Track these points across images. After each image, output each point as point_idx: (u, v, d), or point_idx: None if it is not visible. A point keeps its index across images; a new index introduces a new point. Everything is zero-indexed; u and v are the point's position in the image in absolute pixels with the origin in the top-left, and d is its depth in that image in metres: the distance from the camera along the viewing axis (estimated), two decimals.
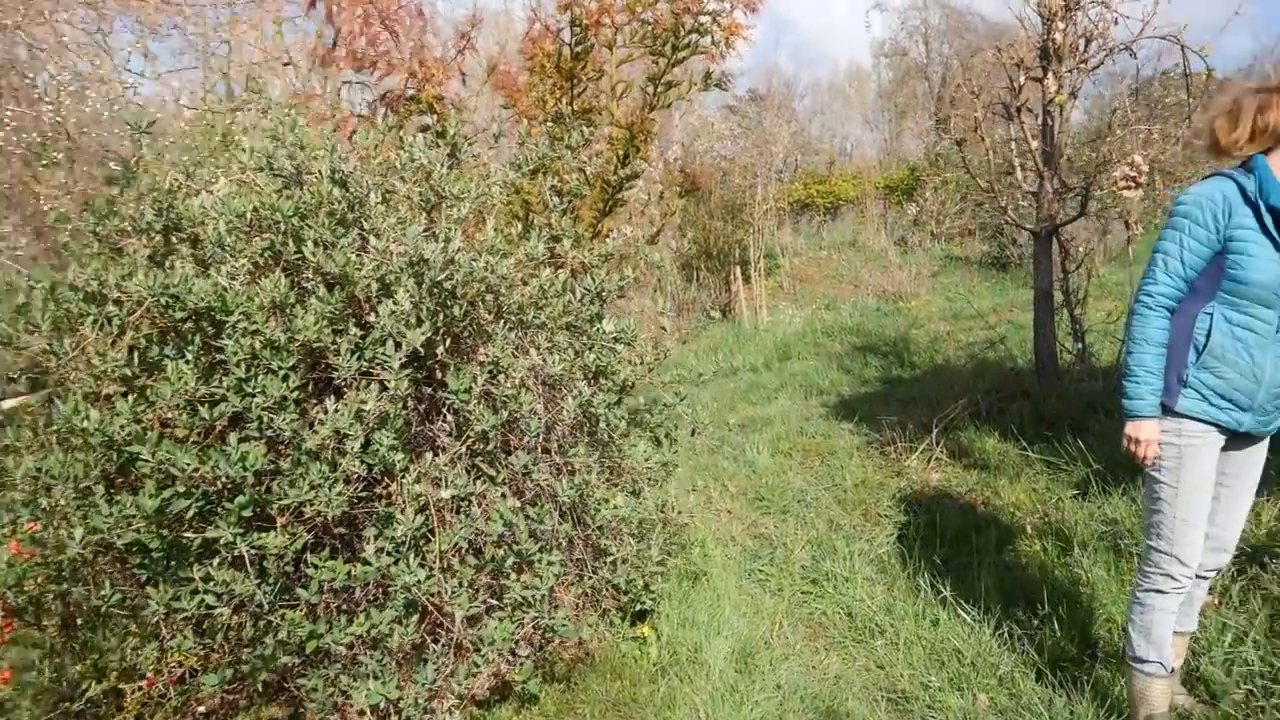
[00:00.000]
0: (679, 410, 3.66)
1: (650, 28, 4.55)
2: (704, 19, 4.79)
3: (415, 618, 2.85)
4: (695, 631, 3.80)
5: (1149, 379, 2.56)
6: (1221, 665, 3.01)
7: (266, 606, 2.64)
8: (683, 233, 14.94)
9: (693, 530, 4.66)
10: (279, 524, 2.61)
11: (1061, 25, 5.89)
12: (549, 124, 4.25)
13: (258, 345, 2.64)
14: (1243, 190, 2.51)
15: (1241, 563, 3.52)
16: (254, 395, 2.61)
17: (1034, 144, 6.20)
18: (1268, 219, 2.48)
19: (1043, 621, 3.59)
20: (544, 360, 3.13)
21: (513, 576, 3.00)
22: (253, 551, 2.58)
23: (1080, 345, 6.33)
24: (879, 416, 6.69)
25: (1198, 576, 2.81)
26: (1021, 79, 6.07)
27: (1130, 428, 2.60)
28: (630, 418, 3.57)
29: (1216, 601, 3.39)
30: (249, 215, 2.88)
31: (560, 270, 3.36)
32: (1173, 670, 2.80)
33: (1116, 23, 6.01)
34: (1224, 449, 2.67)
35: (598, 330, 3.39)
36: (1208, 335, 2.54)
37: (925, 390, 7.20)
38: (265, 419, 2.61)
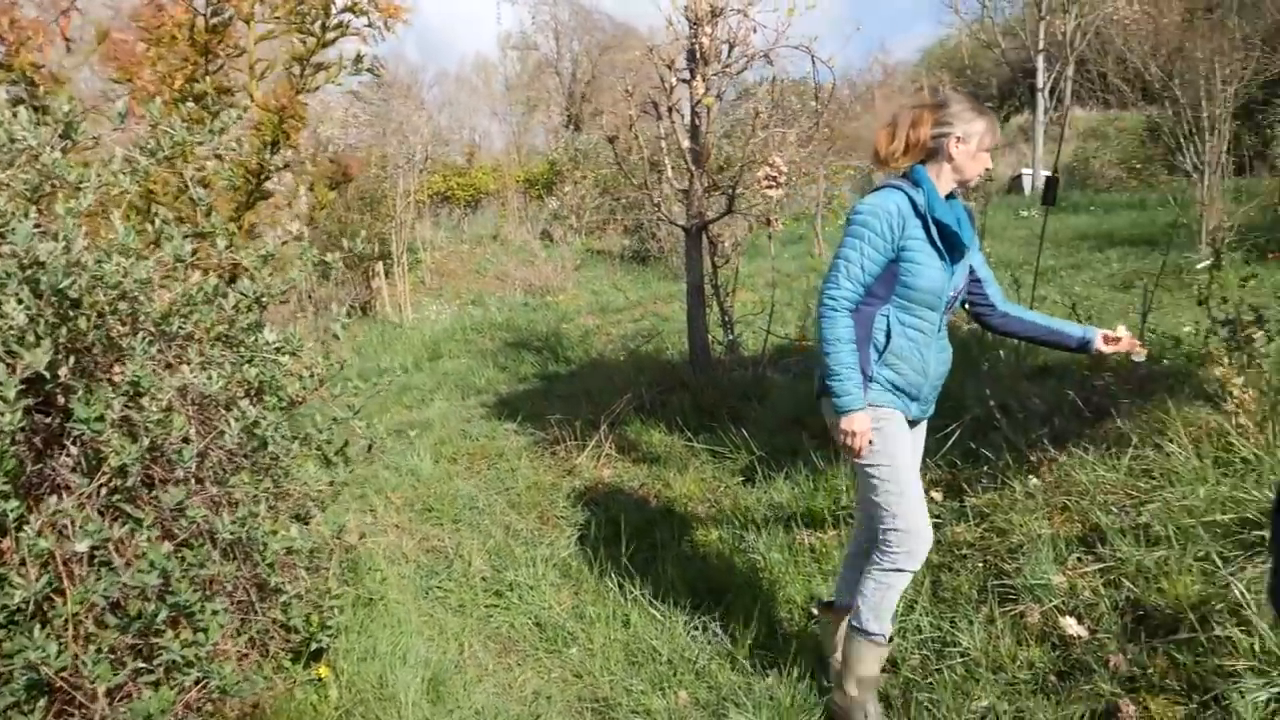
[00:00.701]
0: (353, 424, 3.35)
1: (298, 3, 4.15)
2: None
3: (43, 701, 2.35)
4: (378, 664, 3.51)
5: (851, 374, 2.69)
6: (897, 634, 3.27)
7: None
8: (313, 224, 14.09)
9: (364, 551, 4.33)
10: None
11: (709, 30, 6.19)
12: (188, 104, 3.72)
13: None
14: (913, 203, 2.71)
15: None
16: None
17: (685, 143, 6.47)
18: (933, 230, 2.71)
19: (729, 609, 3.72)
20: (196, 378, 2.71)
21: (168, 634, 2.57)
22: None
23: (731, 336, 6.72)
24: (543, 414, 6.68)
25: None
26: (673, 80, 6.30)
27: (844, 422, 2.71)
28: (297, 436, 3.21)
29: None
30: None
31: (209, 273, 2.93)
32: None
33: (755, 31, 6.44)
34: None
35: (258, 340, 3.00)
36: (887, 335, 2.74)
37: (586, 385, 7.30)
38: None
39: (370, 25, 4.07)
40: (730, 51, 6.49)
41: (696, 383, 6.42)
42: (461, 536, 4.87)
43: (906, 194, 2.72)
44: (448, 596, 4.24)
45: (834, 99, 6.88)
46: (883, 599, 2.79)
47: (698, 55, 6.42)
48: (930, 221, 2.70)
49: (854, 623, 2.87)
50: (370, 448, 3.37)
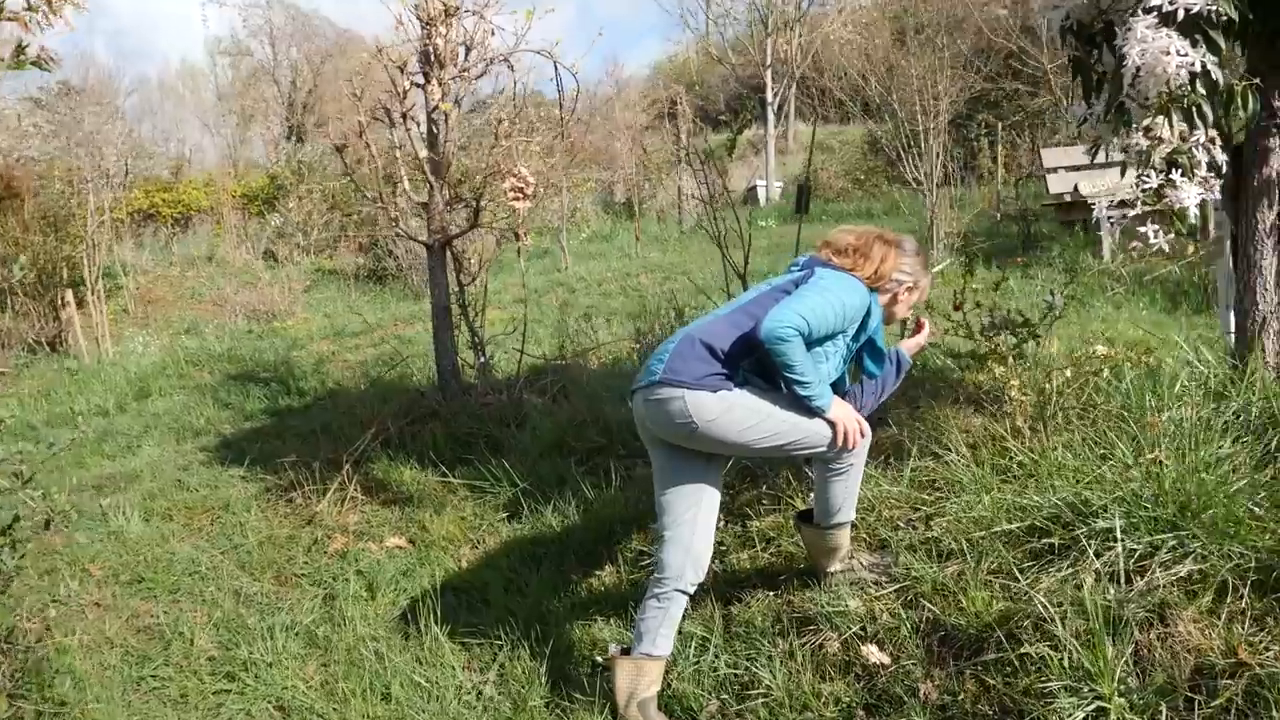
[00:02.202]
0: (23, 497, 2.72)
1: None
2: None
3: None
4: None
5: (821, 382, 2.87)
6: (691, 678, 3.05)
7: None
8: None
9: (52, 647, 3.62)
10: None
11: (443, 31, 5.82)
12: None
13: None
14: (870, 313, 3.02)
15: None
16: None
17: (422, 153, 6.06)
18: (863, 337, 3.07)
19: (506, 665, 3.37)
20: None
21: None
22: None
23: (483, 359, 6.36)
24: (275, 456, 6.01)
25: None
26: (406, 84, 5.88)
27: (832, 417, 2.89)
28: None
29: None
30: None
31: None
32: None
33: (494, 33, 6.13)
34: None
35: None
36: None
37: (324, 420, 6.68)
38: None
39: (30, 7, 3.39)
40: (468, 54, 6.16)
41: (448, 411, 6.01)
42: (181, 610, 4.22)
43: (870, 305, 3.01)
44: (165, 687, 3.63)
45: (575, 110, 6.68)
46: (667, 616, 2.97)
47: (432, 58, 6.04)
48: (866, 338, 3.07)
49: (639, 650, 2.93)
50: (48, 524, 2.75)
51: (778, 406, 2.89)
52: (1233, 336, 3.58)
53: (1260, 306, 3.24)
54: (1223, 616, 2.36)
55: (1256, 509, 2.63)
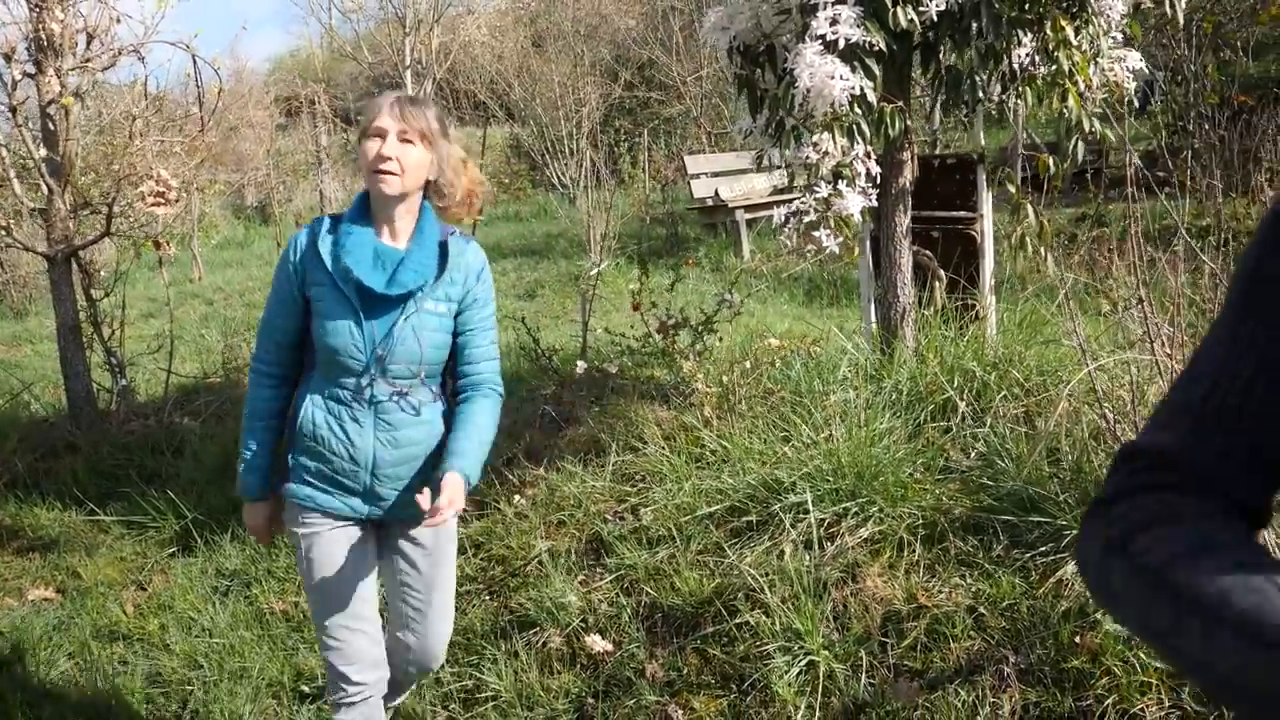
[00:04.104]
0: None
1: None
2: None
3: None
4: None
5: (247, 453, 2.37)
6: (416, 695, 3.04)
7: None
8: None
9: None
10: None
11: (60, 15, 5.27)
12: None
13: None
14: (314, 236, 2.31)
15: None
16: None
17: (38, 153, 5.44)
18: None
19: (196, 717, 3.17)
20: None
21: None
22: None
23: (123, 381, 5.84)
24: None
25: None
26: (15, 74, 5.26)
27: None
28: None
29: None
30: None
31: None
32: None
33: (119, 21, 5.64)
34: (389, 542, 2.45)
35: None
36: (300, 409, 2.33)
37: None
38: None
39: None
40: (89, 43, 5.63)
41: (87, 441, 5.45)
42: None
43: (312, 228, 2.30)
44: None
45: (216, 109, 6.30)
46: None
47: (45, 45, 5.45)
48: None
49: None
50: None
51: None
52: (875, 325, 4.15)
53: (901, 299, 3.80)
54: (902, 569, 2.77)
55: (916, 474, 3.10)
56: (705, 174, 10.82)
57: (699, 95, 14.98)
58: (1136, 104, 13.71)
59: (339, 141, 17.49)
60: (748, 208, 9.82)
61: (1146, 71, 3.76)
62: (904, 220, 3.76)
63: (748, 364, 3.90)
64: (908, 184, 3.72)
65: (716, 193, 10.26)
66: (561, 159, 12.11)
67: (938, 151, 4.40)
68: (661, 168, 13.96)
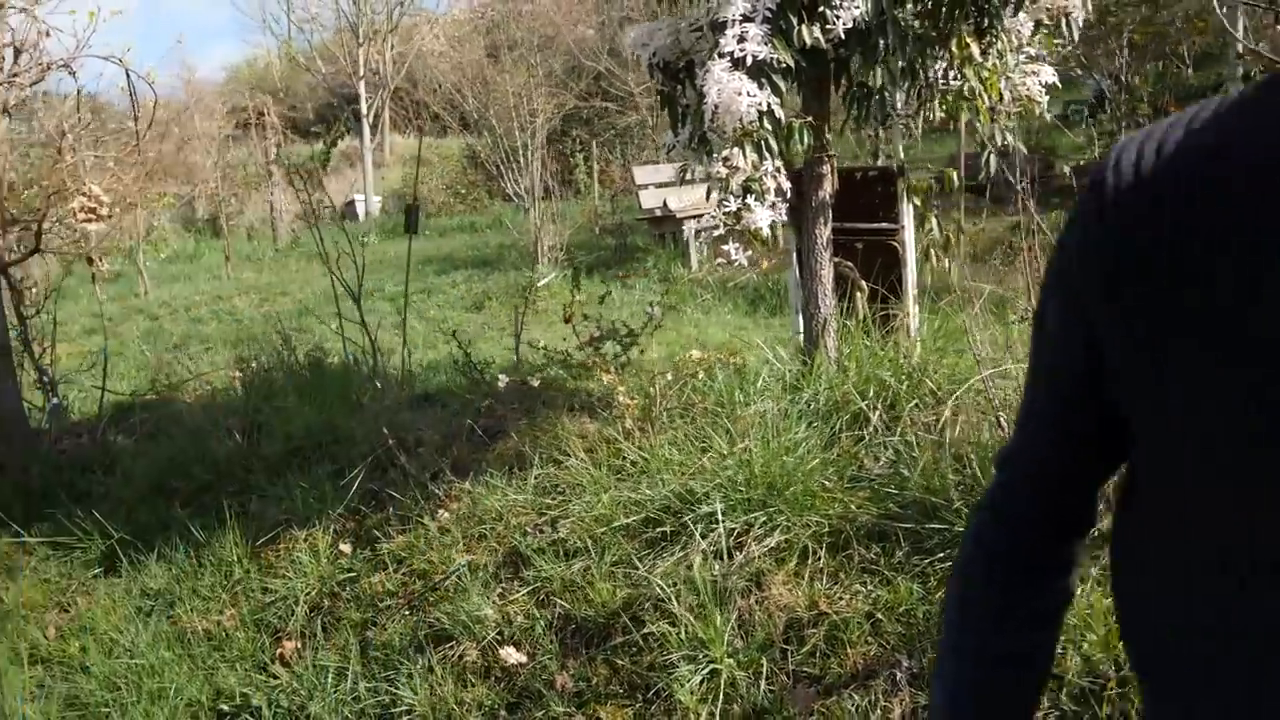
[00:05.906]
0: None
1: None
2: None
3: None
4: None
5: None
6: (331, 708, 3.08)
7: None
8: None
9: None
10: None
11: None
12: None
13: None
14: None
15: None
16: None
17: None
18: None
19: None
20: None
21: None
22: None
23: (55, 400, 5.82)
24: None
25: None
26: None
27: None
28: None
29: None
30: None
31: None
32: None
33: (49, 34, 5.65)
34: None
35: None
36: None
37: None
38: None
39: None
40: (18, 57, 5.64)
41: (15, 463, 5.43)
42: None
43: None
44: None
45: (151, 123, 6.32)
46: None
47: None
48: None
49: None
50: None
51: None
52: (801, 336, 4.23)
53: (822, 309, 3.88)
54: (806, 577, 2.84)
55: (827, 483, 3.17)
56: (652, 184, 10.93)
57: (651, 106, 15.11)
58: (1086, 112, 14.00)
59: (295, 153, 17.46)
60: (696, 218, 9.93)
61: (1059, 86, 3.87)
62: (825, 232, 3.85)
63: (669, 376, 3.97)
64: (828, 196, 3.81)
65: (665, 203, 10.36)
66: (516, 169, 12.17)
67: (879, 163, 4.49)
68: (616, 178, 14.06)
